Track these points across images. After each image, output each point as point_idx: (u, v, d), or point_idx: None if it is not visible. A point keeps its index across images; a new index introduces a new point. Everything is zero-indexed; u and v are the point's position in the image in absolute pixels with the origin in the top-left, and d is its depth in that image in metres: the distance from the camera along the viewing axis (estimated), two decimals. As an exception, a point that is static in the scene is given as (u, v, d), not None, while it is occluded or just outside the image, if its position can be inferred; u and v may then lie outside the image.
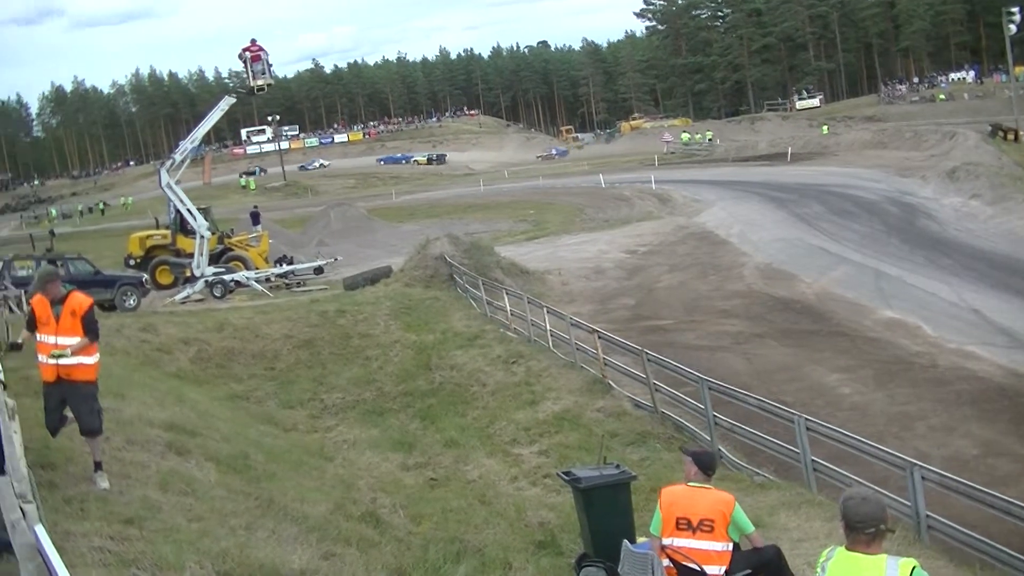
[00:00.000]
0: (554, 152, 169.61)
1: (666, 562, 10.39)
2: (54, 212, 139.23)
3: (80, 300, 12.54)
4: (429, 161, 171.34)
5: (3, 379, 11.38)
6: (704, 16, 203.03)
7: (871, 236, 47.98)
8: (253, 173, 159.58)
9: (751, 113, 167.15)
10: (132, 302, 38.09)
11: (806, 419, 16.43)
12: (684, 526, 10.33)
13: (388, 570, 12.68)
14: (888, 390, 24.52)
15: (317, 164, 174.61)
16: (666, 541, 10.39)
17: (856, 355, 28.03)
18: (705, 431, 19.82)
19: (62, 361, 12.28)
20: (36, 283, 13.10)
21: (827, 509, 14.26)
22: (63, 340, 12.34)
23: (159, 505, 12.42)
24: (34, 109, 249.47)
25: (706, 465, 10.88)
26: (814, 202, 60.07)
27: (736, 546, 10.41)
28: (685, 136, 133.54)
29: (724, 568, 10.24)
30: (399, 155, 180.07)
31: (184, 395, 23.48)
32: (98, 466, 12.59)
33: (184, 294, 43.22)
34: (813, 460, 16.44)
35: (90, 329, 12.57)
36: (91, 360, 12.51)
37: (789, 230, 51.19)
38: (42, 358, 12.49)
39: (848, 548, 6.51)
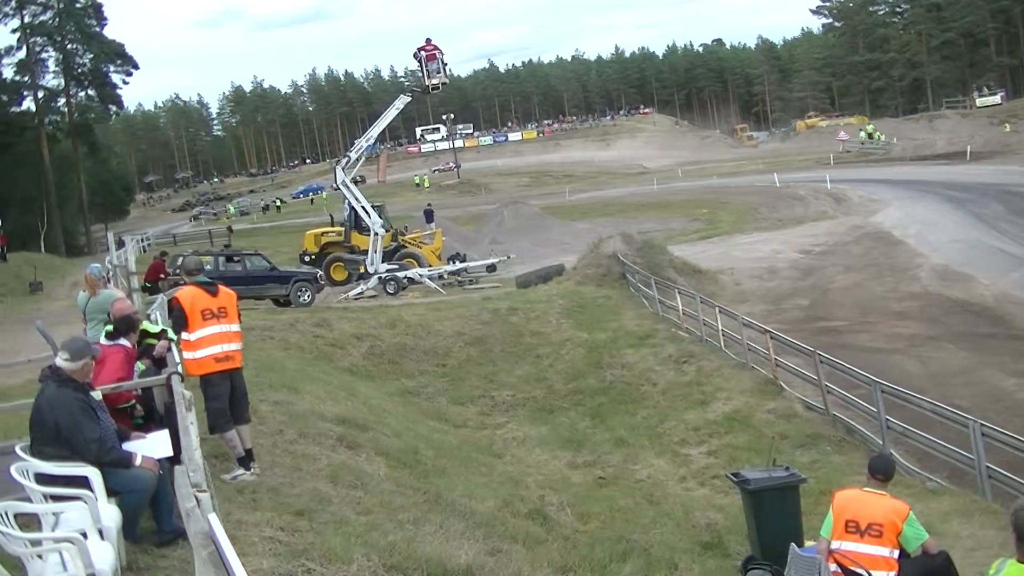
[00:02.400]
0: (452, 166, 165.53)
1: (833, 566, 10.21)
2: (232, 209, 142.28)
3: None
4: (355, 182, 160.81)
5: (180, 371, 11.63)
6: (882, 12, 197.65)
7: (1055, 238, 46.37)
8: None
9: (929, 111, 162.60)
10: (307, 298, 38.77)
11: (982, 424, 15.95)
12: (852, 529, 10.14)
13: (553, 567, 12.68)
14: (1069, 396, 23.71)
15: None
16: (834, 544, 10.21)
17: (1035, 360, 27.14)
18: (877, 435, 19.41)
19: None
20: None
21: (1002, 518, 13.76)
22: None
23: (329, 498, 12.60)
24: (214, 109, 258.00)
25: (874, 468, 10.65)
26: (994, 202, 58.07)
27: (903, 553, 10.17)
28: (862, 134, 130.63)
29: (892, 574, 10.00)
30: (313, 185, 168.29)
31: (356, 390, 23.84)
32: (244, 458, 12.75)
33: (358, 290, 43.92)
34: (988, 467, 15.93)
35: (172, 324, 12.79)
36: (189, 356, 12.48)
37: (967, 231, 49.71)
38: None
39: (1020, 560, 6.28)
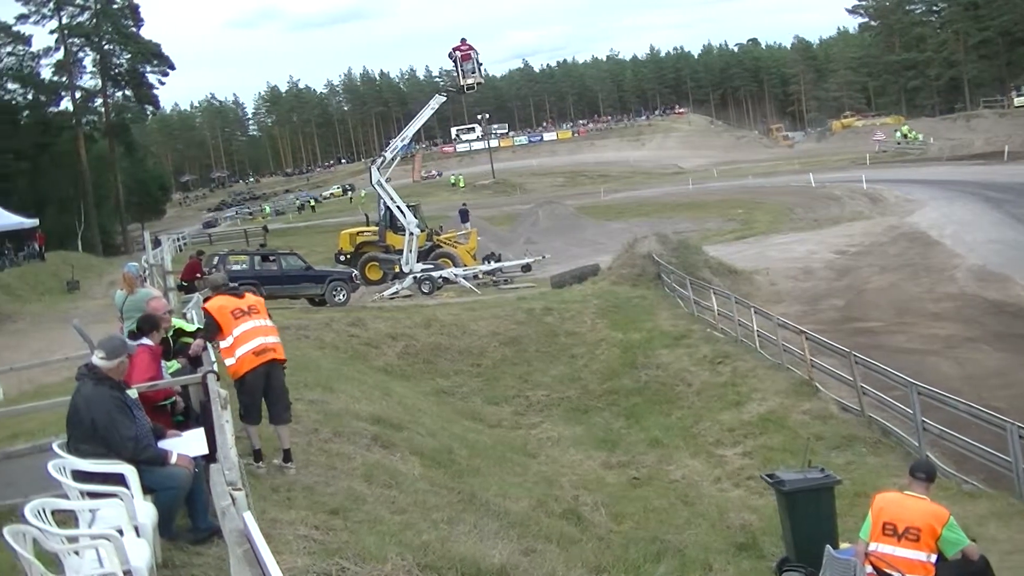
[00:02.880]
0: (435, 173, 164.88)
1: (869, 569, 10.15)
2: (268, 208, 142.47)
3: None
4: (344, 191, 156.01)
5: (216, 370, 11.68)
6: (918, 11, 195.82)
7: (1093, 238, 45.91)
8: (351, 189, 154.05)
9: (966, 110, 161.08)
10: (342, 297, 38.80)
11: (1018, 426, 15.81)
12: (890, 532, 10.08)
13: (588, 567, 12.67)
14: (1110, 399, 23.44)
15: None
16: (871, 547, 10.16)
17: (1076, 362, 26.85)
18: (913, 436, 19.26)
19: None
20: None
21: (1040, 521, 13.76)
22: None
23: (363, 497, 12.63)
24: (250, 109, 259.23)
25: (915, 467, 10.61)
26: (1032, 203, 57.73)
27: (941, 556, 10.08)
28: (898, 134, 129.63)
29: (929, 579, 9.95)
30: (303, 194, 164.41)
31: (391, 389, 23.88)
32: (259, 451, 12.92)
33: (393, 290, 43.94)
34: (1026, 470, 15.83)
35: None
36: (229, 360, 12.59)
37: (1005, 231, 49.23)
38: None
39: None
